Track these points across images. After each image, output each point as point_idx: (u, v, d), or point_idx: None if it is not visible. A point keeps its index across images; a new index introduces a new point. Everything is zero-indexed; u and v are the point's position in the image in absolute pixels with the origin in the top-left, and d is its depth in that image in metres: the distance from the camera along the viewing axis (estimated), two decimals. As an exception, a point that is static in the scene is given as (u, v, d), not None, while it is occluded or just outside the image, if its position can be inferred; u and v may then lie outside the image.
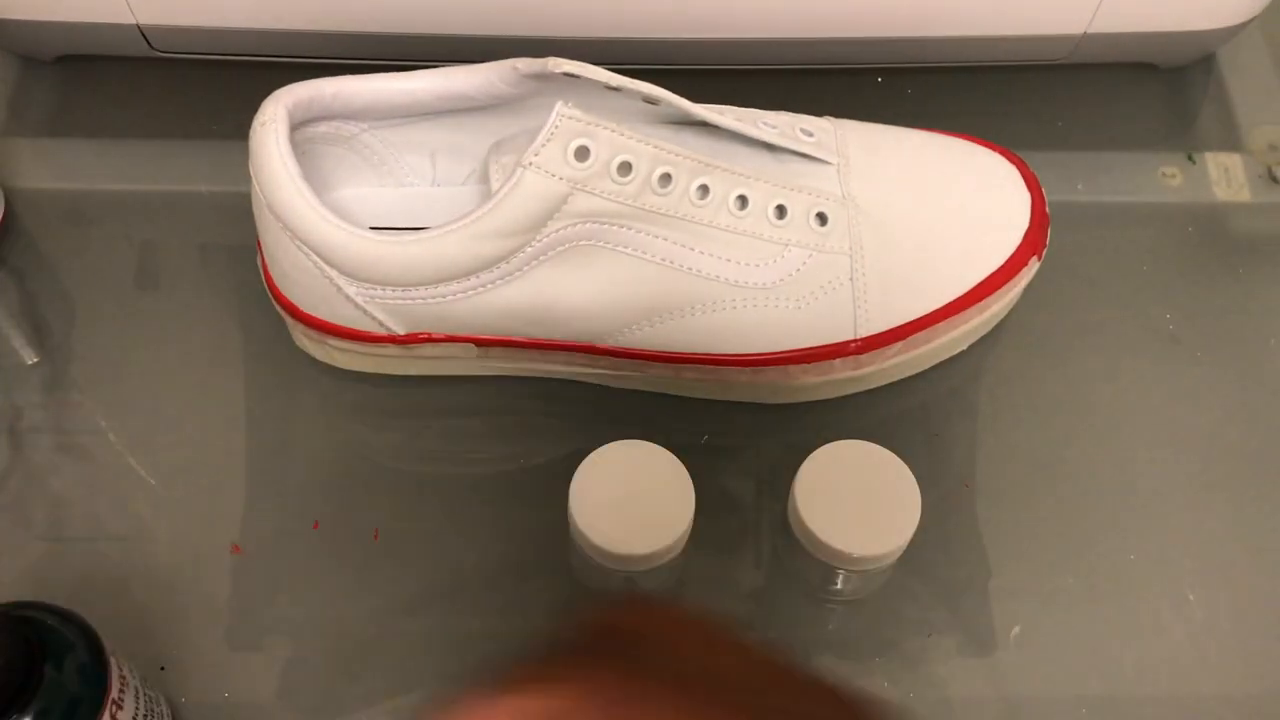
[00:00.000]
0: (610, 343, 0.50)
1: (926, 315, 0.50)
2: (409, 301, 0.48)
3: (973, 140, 0.53)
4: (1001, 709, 0.47)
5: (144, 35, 0.57)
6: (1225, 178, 0.61)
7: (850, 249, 0.49)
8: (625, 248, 0.47)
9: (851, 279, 0.49)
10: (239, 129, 0.48)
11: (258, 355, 0.55)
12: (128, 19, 0.57)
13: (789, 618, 0.49)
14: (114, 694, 0.39)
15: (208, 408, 0.53)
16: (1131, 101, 0.63)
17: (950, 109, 0.62)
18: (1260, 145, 0.62)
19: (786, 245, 0.48)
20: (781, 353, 0.50)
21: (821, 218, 0.49)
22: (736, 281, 0.48)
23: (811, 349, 0.50)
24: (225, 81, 0.54)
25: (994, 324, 0.53)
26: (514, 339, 0.50)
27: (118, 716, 0.40)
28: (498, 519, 0.50)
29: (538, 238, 0.46)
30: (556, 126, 0.44)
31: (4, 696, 0.36)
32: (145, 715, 0.42)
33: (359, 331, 0.50)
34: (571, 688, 0.27)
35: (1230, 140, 0.62)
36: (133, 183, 0.59)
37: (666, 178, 0.46)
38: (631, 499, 0.45)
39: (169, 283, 0.56)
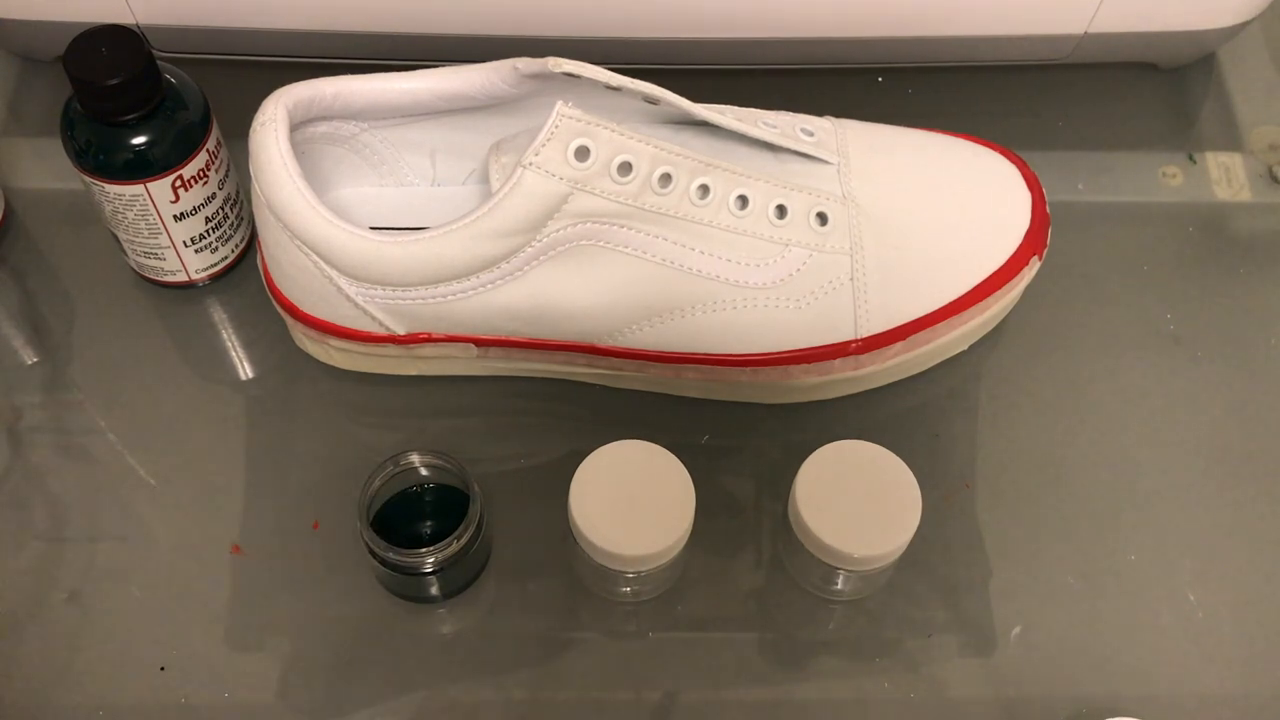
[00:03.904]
0: (610, 343, 0.50)
1: (927, 315, 0.50)
2: (409, 301, 0.48)
3: (973, 140, 0.53)
4: (1001, 709, 0.47)
5: (144, 35, 0.57)
6: (1226, 178, 0.61)
7: (850, 249, 0.49)
8: (625, 248, 0.47)
9: (852, 279, 0.49)
10: (239, 129, 0.48)
11: (258, 355, 0.55)
12: (128, 19, 0.57)
13: (789, 618, 0.49)
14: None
15: (208, 408, 0.53)
16: (1131, 101, 0.63)
17: (950, 109, 0.62)
18: (1260, 145, 0.62)
19: (787, 245, 0.48)
20: (781, 353, 0.50)
21: (822, 217, 0.49)
22: (737, 281, 0.48)
23: (811, 349, 0.50)
24: (225, 81, 0.54)
25: (994, 324, 0.53)
26: (514, 339, 0.50)
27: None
28: (498, 519, 0.50)
29: (538, 238, 0.46)
30: (556, 126, 0.44)
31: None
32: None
33: (359, 331, 0.50)
34: None
35: (1231, 140, 0.62)
36: (133, 183, 0.59)
37: (667, 178, 0.46)
38: (631, 499, 0.45)
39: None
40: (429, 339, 0.50)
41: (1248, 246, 0.59)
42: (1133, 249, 0.58)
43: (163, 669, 0.47)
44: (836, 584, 0.48)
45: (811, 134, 0.50)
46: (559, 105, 0.44)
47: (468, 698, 0.47)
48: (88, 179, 0.50)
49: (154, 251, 0.53)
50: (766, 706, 0.47)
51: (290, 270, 0.49)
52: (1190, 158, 0.61)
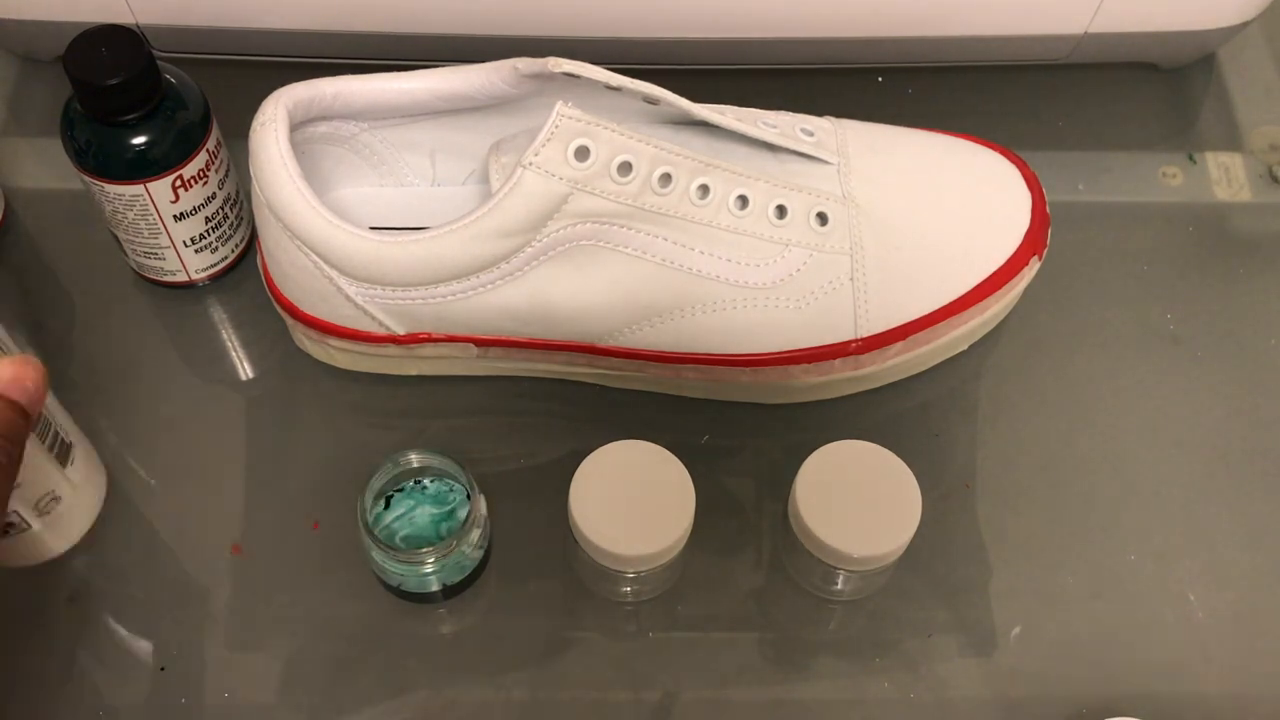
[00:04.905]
0: (610, 343, 0.50)
1: (927, 315, 0.50)
2: (409, 301, 0.48)
3: (973, 140, 0.53)
4: (1001, 709, 0.47)
5: (144, 35, 0.57)
6: (1225, 178, 0.61)
7: (850, 249, 0.49)
8: (625, 248, 0.47)
9: (852, 279, 0.49)
10: (239, 129, 0.48)
11: (258, 355, 0.55)
12: (128, 19, 0.57)
13: (789, 618, 0.49)
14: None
15: (208, 408, 0.53)
16: (1131, 101, 0.63)
17: (950, 109, 0.62)
18: (1260, 145, 0.62)
19: (787, 245, 0.48)
20: (781, 353, 0.50)
21: (822, 217, 0.49)
22: (737, 281, 0.48)
23: (811, 349, 0.50)
24: (225, 81, 0.54)
25: (994, 324, 0.53)
26: (514, 339, 0.50)
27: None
28: (498, 519, 0.50)
29: (538, 238, 0.46)
30: (556, 126, 0.44)
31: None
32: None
33: (359, 331, 0.50)
34: None
35: (1231, 140, 0.62)
36: (133, 183, 0.59)
37: (667, 178, 0.46)
38: (631, 499, 0.45)
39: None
40: (429, 339, 0.50)
41: (1248, 246, 0.59)
42: (1133, 249, 0.58)
43: (163, 669, 0.47)
44: (836, 584, 0.48)
45: (811, 134, 0.50)
46: (559, 105, 0.44)
47: (468, 698, 0.47)
48: (88, 179, 0.50)
49: (154, 251, 0.53)
50: (766, 706, 0.47)
51: (290, 270, 0.49)
52: (1190, 158, 0.61)
